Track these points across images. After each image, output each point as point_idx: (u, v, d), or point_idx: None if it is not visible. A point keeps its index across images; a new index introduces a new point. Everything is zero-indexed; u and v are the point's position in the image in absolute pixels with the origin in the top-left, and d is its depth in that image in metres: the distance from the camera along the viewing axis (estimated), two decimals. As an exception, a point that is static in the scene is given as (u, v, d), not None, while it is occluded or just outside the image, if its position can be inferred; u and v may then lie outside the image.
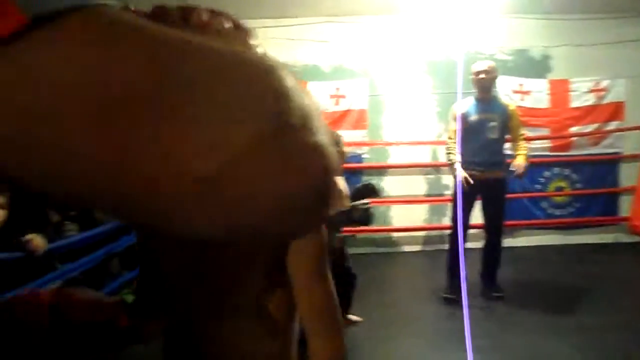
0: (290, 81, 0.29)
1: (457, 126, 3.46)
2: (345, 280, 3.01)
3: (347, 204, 2.78)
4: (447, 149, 3.81)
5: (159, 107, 0.23)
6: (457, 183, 3.40)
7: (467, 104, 3.67)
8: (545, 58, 5.59)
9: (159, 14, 0.64)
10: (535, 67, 5.57)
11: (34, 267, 2.39)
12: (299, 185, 0.28)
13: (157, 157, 0.23)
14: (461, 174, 3.58)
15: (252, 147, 0.25)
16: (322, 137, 0.30)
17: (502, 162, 3.74)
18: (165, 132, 0.23)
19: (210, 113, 0.25)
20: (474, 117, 3.63)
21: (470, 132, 3.52)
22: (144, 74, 0.23)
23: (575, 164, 5.58)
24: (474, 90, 3.75)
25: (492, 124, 3.66)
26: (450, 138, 3.81)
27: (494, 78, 3.74)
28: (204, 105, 0.24)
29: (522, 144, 3.77)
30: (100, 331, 0.80)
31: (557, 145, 5.58)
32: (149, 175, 0.24)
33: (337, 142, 3.09)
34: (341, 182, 2.90)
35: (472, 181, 3.54)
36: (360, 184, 3.22)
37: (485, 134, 3.65)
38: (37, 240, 2.40)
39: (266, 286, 0.84)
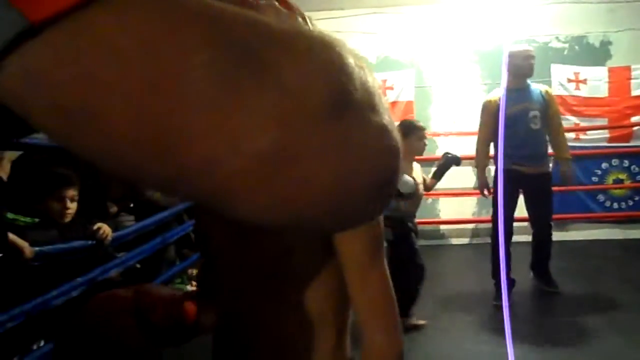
0: (352, 58, 0.27)
1: (500, 117, 3.11)
2: (412, 274, 2.99)
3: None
4: (476, 151, 3.62)
5: (215, 77, 0.23)
6: (497, 184, 3.16)
7: (499, 96, 3.33)
8: (605, 44, 5.31)
9: None
10: (594, 54, 5.31)
11: (95, 256, 2.52)
12: (362, 166, 0.26)
13: (214, 128, 0.23)
14: (484, 181, 3.48)
15: (311, 122, 0.24)
16: (387, 117, 0.28)
17: (546, 154, 3.49)
18: (222, 103, 0.23)
19: (268, 85, 0.24)
20: (513, 108, 3.29)
21: (511, 125, 3.16)
22: (200, 45, 0.23)
23: (636, 155, 5.28)
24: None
25: (533, 113, 3.36)
26: (480, 140, 3.57)
27: None
28: (261, 78, 0.24)
29: (564, 140, 3.51)
30: (175, 326, 0.81)
31: (616, 135, 5.30)
32: (206, 148, 0.23)
33: (421, 132, 3.07)
34: (416, 166, 3.01)
35: (488, 194, 3.49)
36: (442, 157, 3.24)
37: (528, 125, 3.35)
38: (105, 228, 2.52)
39: (310, 273, 0.80)
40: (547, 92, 3.49)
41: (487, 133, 3.42)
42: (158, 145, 0.23)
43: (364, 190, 0.27)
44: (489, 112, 3.43)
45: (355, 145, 0.26)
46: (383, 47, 5.44)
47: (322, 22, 5.03)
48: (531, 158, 3.35)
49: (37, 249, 2.04)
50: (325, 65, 0.26)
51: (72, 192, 2.43)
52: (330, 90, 0.25)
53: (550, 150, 3.58)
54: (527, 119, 3.37)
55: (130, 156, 0.24)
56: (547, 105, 3.42)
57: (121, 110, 0.22)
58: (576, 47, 5.34)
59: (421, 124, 3.17)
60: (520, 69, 3.38)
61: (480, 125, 3.58)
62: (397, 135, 0.29)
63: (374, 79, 0.29)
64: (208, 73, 0.23)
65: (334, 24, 5.09)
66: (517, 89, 3.37)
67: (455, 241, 5.50)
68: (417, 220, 5.67)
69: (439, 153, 5.46)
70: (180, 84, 0.22)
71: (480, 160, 3.58)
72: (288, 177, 0.25)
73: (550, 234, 3.58)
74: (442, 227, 5.52)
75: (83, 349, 0.79)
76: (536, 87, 3.51)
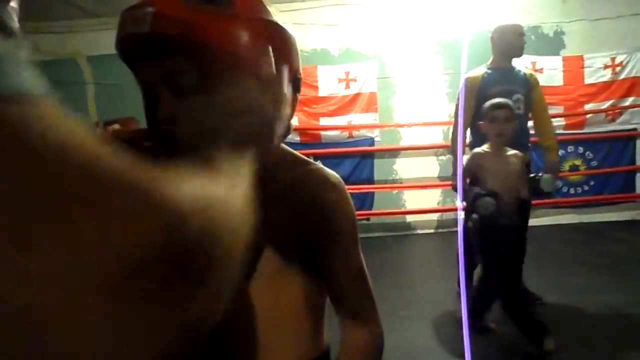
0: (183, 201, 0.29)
1: (459, 104, 2.91)
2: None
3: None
4: (452, 135, 3.16)
5: (7, 230, 0.23)
6: (459, 172, 2.70)
7: (480, 74, 3.06)
8: (559, 34, 5.48)
9: None
10: (548, 44, 5.46)
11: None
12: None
13: (11, 281, 0.23)
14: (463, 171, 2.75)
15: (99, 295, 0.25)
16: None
17: (528, 143, 3.11)
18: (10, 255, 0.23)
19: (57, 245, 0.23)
20: (495, 89, 2.94)
21: None
22: (12, 189, 0.23)
23: (590, 142, 5.49)
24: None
25: (517, 96, 3.00)
26: (459, 123, 3.03)
27: None
28: (55, 234, 0.24)
29: (551, 126, 3.16)
30: None
31: (571, 123, 5.49)
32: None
33: (491, 112, 2.62)
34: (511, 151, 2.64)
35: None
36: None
37: None
38: None
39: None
40: (531, 74, 3.17)
41: (468, 116, 3.02)
42: None
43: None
44: (472, 90, 3.01)
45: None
46: (345, 39, 5.44)
47: (284, 15, 4.98)
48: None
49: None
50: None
51: None
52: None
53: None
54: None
55: None
56: (532, 89, 3.10)
57: None
58: (532, 37, 5.48)
59: (496, 101, 2.65)
60: (512, 47, 3.04)
61: (459, 106, 3.16)
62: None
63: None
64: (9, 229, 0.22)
65: (296, 16, 5.06)
66: (502, 69, 3.06)
67: (421, 231, 5.59)
68: (382, 211, 5.73)
69: (403, 143, 5.55)
70: None
71: (458, 147, 2.98)
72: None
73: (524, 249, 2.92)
74: (408, 217, 5.60)
75: None
76: (520, 69, 3.15)
